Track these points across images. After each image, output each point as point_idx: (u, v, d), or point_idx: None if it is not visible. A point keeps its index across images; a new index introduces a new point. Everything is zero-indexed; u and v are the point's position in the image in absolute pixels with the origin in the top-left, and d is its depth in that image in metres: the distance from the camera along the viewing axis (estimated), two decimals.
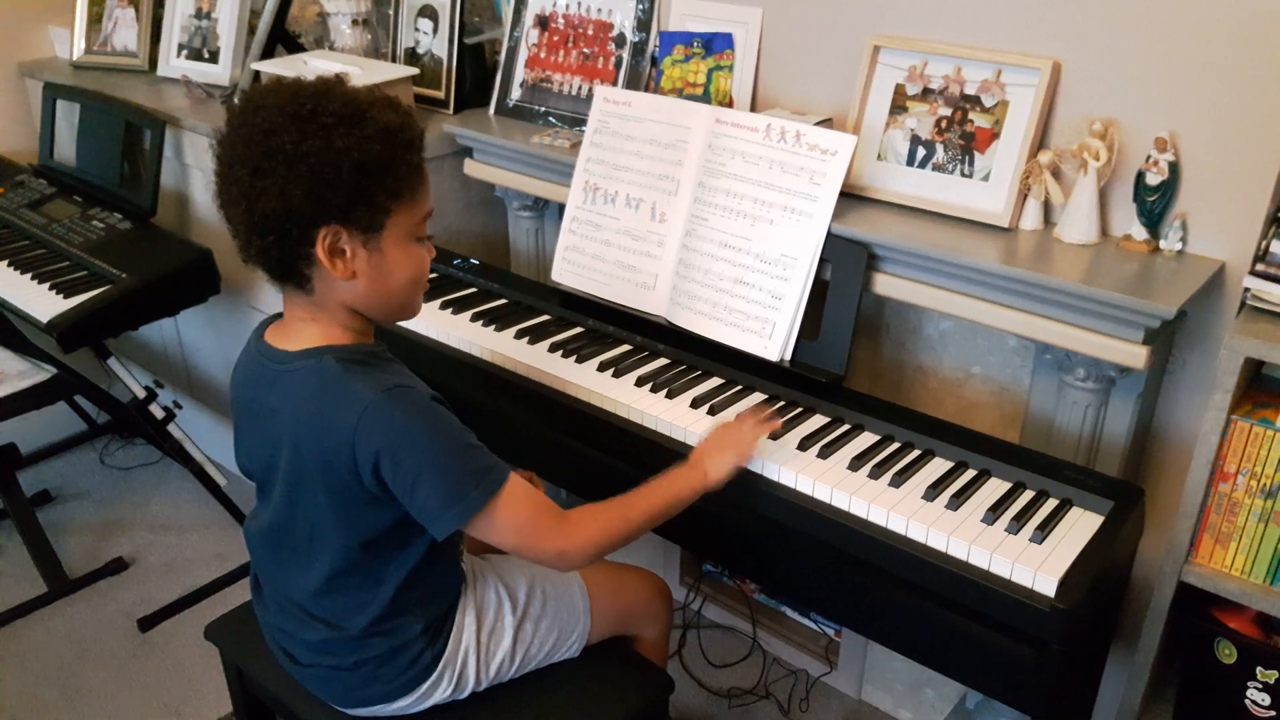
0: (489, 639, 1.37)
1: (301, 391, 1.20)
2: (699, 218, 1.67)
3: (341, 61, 2.13)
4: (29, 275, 2.16)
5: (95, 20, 2.67)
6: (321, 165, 1.11)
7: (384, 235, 1.18)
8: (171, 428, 2.31)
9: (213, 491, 2.46)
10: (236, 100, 2.35)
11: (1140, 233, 1.48)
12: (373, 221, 1.16)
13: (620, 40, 1.97)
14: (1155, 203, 1.45)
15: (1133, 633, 1.65)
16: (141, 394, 2.22)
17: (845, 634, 2.11)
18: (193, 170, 2.33)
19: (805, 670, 2.17)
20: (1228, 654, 1.46)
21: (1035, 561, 1.23)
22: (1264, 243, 1.40)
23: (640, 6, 1.93)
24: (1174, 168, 1.43)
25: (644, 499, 1.30)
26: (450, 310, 1.85)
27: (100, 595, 2.44)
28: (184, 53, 2.52)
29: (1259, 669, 1.44)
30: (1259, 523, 1.37)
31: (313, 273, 1.18)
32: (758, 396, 1.59)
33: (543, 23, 2.08)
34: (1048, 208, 1.55)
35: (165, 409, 2.29)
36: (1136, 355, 1.37)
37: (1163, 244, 1.47)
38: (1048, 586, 1.21)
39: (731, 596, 2.30)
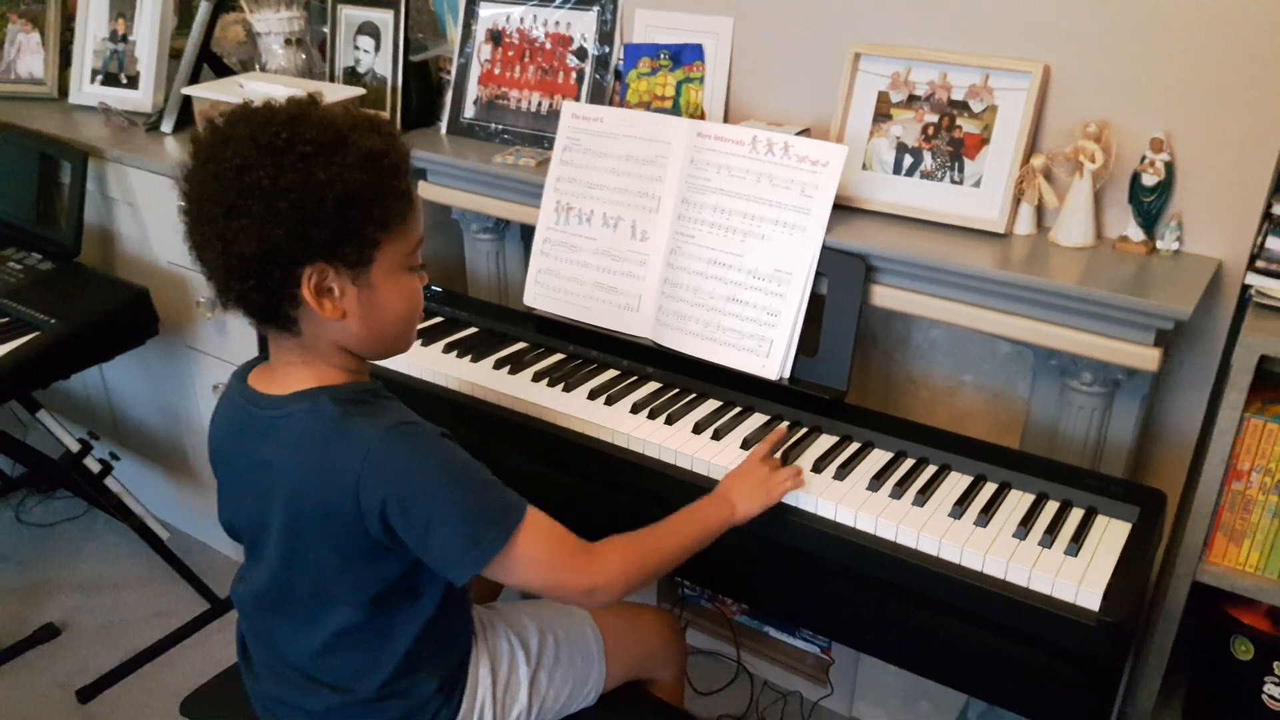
0: (504, 693, 1.29)
1: (298, 438, 1.10)
2: (684, 235, 1.61)
3: (280, 83, 2.01)
4: None
5: None
6: (303, 200, 1.01)
7: (374, 269, 1.09)
8: (109, 481, 2.14)
9: (155, 547, 2.29)
10: (161, 127, 2.20)
11: (1137, 234, 1.47)
12: (361, 256, 1.07)
13: (581, 54, 1.90)
14: (1152, 203, 1.45)
15: (1136, 633, 1.64)
16: (76, 447, 2.05)
17: (836, 650, 2.07)
18: (119, 204, 2.18)
19: (799, 692, 2.12)
20: (1244, 650, 1.46)
21: (1075, 575, 1.20)
22: (1260, 239, 1.41)
23: (602, 19, 1.86)
24: (1170, 168, 1.43)
25: (673, 531, 1.24)
26: (420, 341, 1.75)
27: (30, 667, 2.25)
28: (98, 78, 2.35)
29: (1276, 664, 1.44)
30: (1273, 518, 1.38)
31: (299, 314, 1.08)
32: (759, 418, 1.53)
33: (495, 37, 1.99)
34: (1040, 211, 1.54)
35: (102, 462, 2.12)
36: (1149, 357, 1.36)
37: (1159, 244, 1.47)
38: (1091, 600, 1.18)
39: (712, 620, 2.24)
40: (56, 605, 2.43)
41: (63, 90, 2.42)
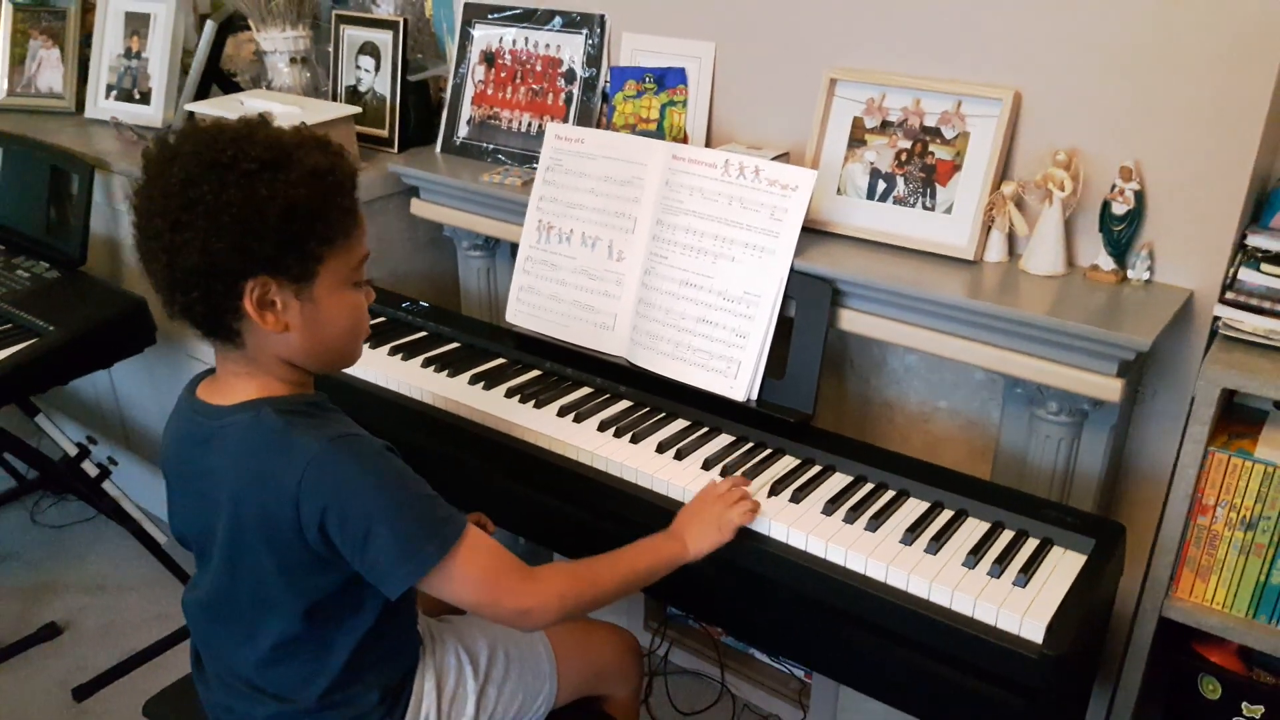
0: (450, 706, 1.29)
1: (239, 447, 1.12)
2: (658, 255, 1.62)
3: (281, 101, 2.06)
4: None
5: (18, 61, 2.56)
6: (245, 215, 1.03)
7: (317, 284, 1.11)
8: (107, 485, 2.19)
9: (152, 550, 2.34)
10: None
11: (1107, 263, 1.46)
12: (304, 270, 1.09)
13: (570, 76, 1.92)
14: (1122, 232, 1.43)
15: (1110, 671, 1.61)
16: (73, 451, 2.11)
17: (816, 675, 2.05)
18: (124, 215, 2.24)
19: (777, 715, 2.11)
20: (1212, 690, 1.43)
21: (1020, 607, 1.19)
22: (1231, 270, 1.39)
23: (590, 42, 1.89)
24: (1140, 197, 1.41)
25: (618, 564, 1.24)
26: (400, 356, 1.78)
27: (31, 664, 2.30)
28: (113, 94, 2.43)
29: (1244, 704, 1.41)
30: (1239, 555, 1.35)
31: (242, 326, 1.10)
32: (725, 439, 1.54)
33: (489, 59, 2.02)
34: (1012, 239, 1.53)
35: (100, 466, 2.18)
36: (1111, 388, 1.34)
37: (1130, 274, 1.46)
38: (1035, 633, 1.16)
39: (698, 640, 2.23)
40: (61, 605, 2.49)
41: (80, 104, 2.50)
